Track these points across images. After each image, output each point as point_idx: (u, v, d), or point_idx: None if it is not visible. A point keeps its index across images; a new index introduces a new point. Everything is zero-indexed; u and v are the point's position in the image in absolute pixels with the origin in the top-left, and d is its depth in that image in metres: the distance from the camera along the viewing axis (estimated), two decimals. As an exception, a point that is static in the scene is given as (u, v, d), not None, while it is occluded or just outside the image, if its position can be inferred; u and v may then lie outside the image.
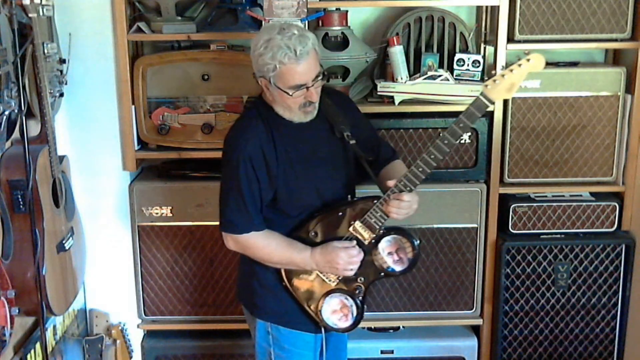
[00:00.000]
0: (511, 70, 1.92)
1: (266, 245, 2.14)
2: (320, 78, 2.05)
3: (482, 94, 1.95)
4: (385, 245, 2.16)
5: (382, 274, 2.18)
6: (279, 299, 2.23)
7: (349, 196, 2.20)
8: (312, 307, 2.21)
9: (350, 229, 2.14)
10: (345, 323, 2.23)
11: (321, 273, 2.18)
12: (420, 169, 2.02)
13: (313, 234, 2.17)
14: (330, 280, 2.19)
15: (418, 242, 2.16)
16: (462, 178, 2.90)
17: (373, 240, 2.14)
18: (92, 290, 3.01)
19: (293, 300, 2.23)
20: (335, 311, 2.21)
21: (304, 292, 2.21)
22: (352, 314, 2.21)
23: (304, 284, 2.21)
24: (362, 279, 2.18)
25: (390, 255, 2.16)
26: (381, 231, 2.13)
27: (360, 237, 2.13)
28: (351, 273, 2.15)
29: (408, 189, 2.04)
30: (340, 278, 2.18)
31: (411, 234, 2.16)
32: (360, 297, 2.19)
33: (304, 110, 2.08)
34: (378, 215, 2.10)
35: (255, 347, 2.32)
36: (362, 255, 2.14)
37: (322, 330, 2.27)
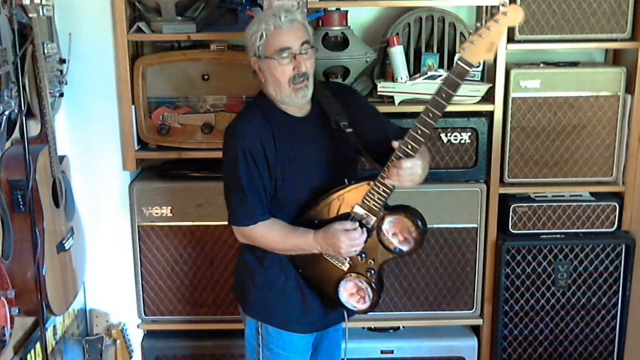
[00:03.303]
0: (489, 28, 1.75)
1: (269, 234, 2.14)
2: (309, 46, 2.05)
3: (460, 59, 1.82)
4: (388, 227, 2.11)
5: (391, 255, 2.15)
6: (269, 299, 2.23)
7: (346, 180, 2.14)
8: (329, 293, 2.22)
9: (352, 211, 2.11)
10: (363, 305, 2.23)
11: (330, 258, 2.18)
12: (410, 146, 1.96)
13: (316, 221, 2.14)
14: (340, 265, 2.18)
15: (421, 221, 2.11)
16: (462, 178, 2.90)
17: (375, 223, 2.11)
18: (92, 290, 3.01)
19: (286, 301, 2.23)
20: (352, 294, 2.22)
21: (318, 279, 2.22)
22: (369, 296, 2.20)
23: (317, 271, 2.21)
24: (372, 261, 2.17)
25: (395, 236, 2.12)
26: (381, 213, 2.09)
27: (362, 219, 2.11)
28: (354, 254, 2.13)
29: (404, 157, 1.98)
30: (350, 262, 2.17)
31: (414, 214, 2.11)
32: (374, 280, 2.18)
33: (294, 87, 2.06)
34: (376, 197, 2.06)
35: (245, 344, 2.33)
36: (364, 235, 2.10)
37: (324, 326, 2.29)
